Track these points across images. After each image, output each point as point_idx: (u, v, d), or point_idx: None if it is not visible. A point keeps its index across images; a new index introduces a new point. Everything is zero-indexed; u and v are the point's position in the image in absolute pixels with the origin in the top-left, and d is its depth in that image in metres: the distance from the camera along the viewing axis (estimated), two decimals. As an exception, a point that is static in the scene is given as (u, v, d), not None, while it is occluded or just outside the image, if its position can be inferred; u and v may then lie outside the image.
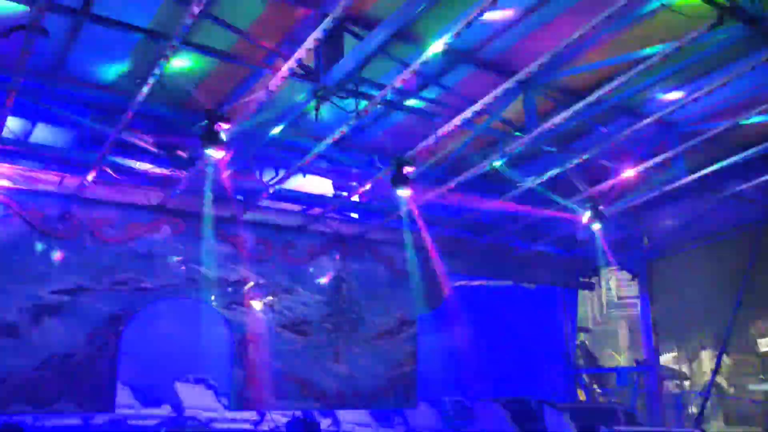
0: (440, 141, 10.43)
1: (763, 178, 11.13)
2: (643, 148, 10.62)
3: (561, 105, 9.25)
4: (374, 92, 8.29)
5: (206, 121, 7.48)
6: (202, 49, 7.44)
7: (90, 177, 9.59)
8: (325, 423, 16.10)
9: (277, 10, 7.66)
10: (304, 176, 12.31)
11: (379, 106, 8.56)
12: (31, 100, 9.06)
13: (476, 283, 16.92)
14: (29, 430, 10.16)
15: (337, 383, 12.21)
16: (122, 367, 11.23)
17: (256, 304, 11.69)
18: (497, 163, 9.67)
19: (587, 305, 27.99)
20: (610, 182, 10.66)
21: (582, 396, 16.10)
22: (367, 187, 10.41)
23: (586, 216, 10.70)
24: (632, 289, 46.50)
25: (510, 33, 8.20)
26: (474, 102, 8.75)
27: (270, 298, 11.84)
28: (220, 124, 7.48)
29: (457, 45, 8.17)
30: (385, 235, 12.95)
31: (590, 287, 16.62)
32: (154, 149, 9.47)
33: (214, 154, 7.71)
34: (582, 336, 25.42)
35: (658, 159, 10.11)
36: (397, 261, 13.13)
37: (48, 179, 10.14)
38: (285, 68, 7.27)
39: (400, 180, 8.80)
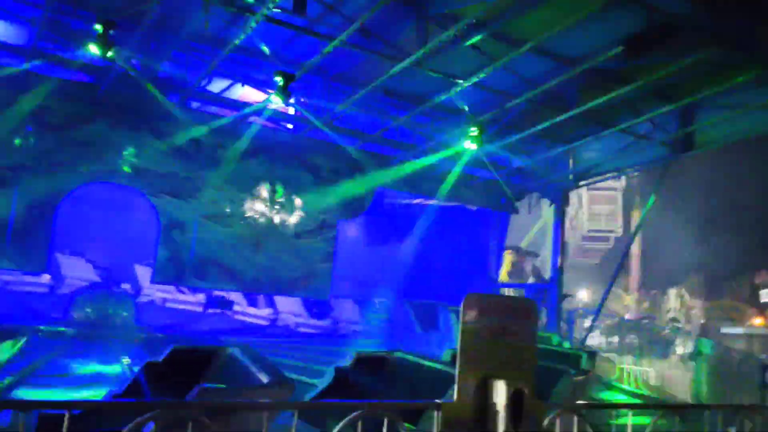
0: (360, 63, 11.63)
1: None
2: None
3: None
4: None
5: (100, 26, 8.71)
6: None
7: (27, 65, 10.92)
8: (267, 311, 18.06)
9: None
10: (243, 86, 13.55)
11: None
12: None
13: (417, 201, 18.19)
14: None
15: (255, 271, 13.78)
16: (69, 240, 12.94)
17: (184, 195, 13.12)
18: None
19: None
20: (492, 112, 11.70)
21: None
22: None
23: (466, 141, 11.75)
24: (604, 223, 47.20)
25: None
26: (368, 27, 9.84)
27: (197, 191, 13.25)
28: (110, 29, 8.73)
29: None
30: (313, 145, 14.18)
31: (513, 211, 17.73)
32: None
33: (100, 51, 8.96)
34: (539, 262, 27.03)
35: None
36: (322, 170, 14.41)
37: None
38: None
39: (286, 91, 9.98)
